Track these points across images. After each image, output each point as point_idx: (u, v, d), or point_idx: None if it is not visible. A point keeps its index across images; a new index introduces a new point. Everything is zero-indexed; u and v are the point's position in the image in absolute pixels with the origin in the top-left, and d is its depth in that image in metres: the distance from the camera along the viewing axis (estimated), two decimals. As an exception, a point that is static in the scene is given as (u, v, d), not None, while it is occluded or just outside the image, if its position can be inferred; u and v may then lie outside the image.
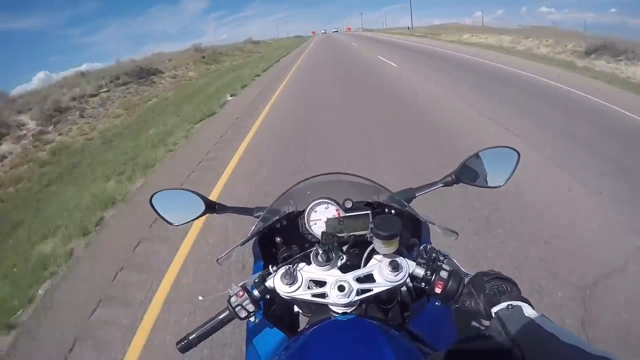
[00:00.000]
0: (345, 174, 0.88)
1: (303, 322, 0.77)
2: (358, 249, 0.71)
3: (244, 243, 0.80)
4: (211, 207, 0.87)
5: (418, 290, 0.71)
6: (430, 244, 0.72)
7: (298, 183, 0.88)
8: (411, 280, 0.65)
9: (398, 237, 0.62)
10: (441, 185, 0.87)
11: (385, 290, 0.63)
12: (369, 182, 0.87)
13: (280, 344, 0.66)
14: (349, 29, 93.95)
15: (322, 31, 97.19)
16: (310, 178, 0.88)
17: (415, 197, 0.90)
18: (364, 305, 0.66)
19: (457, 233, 0.72)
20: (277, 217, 0.83)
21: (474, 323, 0.62)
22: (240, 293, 0.64)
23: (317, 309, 0.68)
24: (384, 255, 0.64)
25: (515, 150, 0.83)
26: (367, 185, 0.87)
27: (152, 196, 0.86)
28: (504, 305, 0.53)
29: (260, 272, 0.68)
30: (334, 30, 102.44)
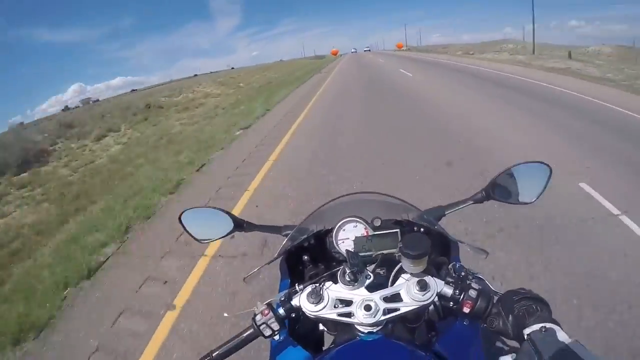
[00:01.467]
0: (374, 193, 0.87)
1: (328, 340, 0.76)
2: (385, 268, 0.70)
3: (271, 262, 0.80)
4: (239, 225, 0.89)
5: (446, 309, 0.69)
6: (460, 262, 0.70)
7: (328, 202, 0.88)
8: (439, 300, 0.63)
9: (427, 257, 0.61)
10: (471, 202, 0.86)
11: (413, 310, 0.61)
12: (399, 200, 0.86)
13: None
14: (400, 46, 69.78)
15: (352, 50, 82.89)
16: (339, 197, 0.88)
17: (444, 214, 0.89)
18: (390, 325, 0.64)
19: (487, 252, 0.70)
20: (305, 236, 0.83)
21: (500, 344, 0.60)
22: (266, 311, 0.64)
23: (342, 327, 0.67)
24: (412, 274, 0.63)
25: (547, 165, 0.80)
26: (396, 204, 0.86)
27: (181, 213, 0.87)
28: (536, 327, 0.51)
29: (287, 291, 0.68)
30: (365, 48, 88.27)
